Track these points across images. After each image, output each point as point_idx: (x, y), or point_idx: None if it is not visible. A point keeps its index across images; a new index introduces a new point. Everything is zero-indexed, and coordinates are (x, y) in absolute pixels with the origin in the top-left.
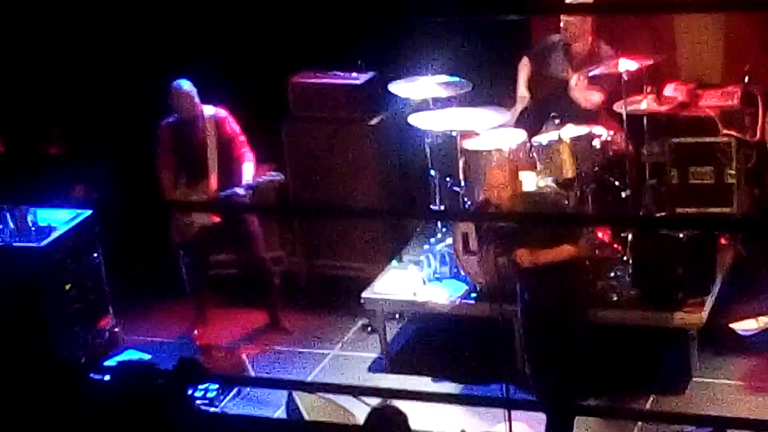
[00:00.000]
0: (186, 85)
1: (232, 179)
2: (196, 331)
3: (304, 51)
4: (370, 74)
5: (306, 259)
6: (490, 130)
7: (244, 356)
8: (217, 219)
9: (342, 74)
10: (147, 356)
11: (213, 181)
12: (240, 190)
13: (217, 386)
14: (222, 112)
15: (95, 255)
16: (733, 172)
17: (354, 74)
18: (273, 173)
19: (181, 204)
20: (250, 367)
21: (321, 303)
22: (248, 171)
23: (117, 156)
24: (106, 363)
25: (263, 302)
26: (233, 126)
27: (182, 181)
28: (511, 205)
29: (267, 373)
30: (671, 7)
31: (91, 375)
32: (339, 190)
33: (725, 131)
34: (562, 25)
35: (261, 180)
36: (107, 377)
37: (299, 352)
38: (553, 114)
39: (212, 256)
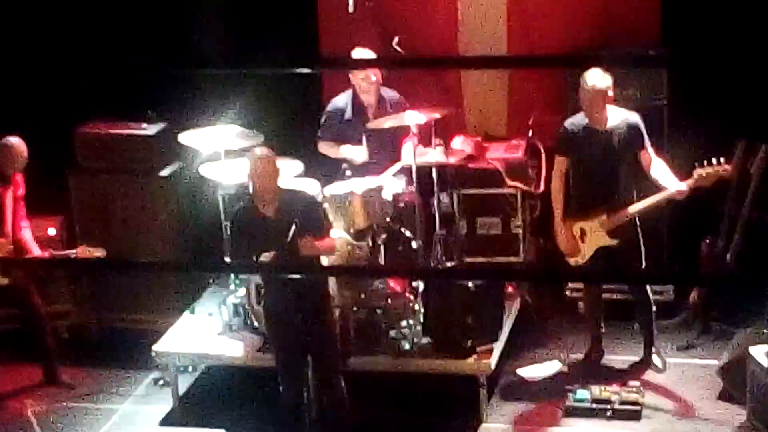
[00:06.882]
0: (18, 140)
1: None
2: None
3: (91, 101)
4: (160, 125)
5: (95, 312)
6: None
7: (29, 413)
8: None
9: (131, 124)
10: None
11: (5, 241)
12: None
13: None
14: (19, 176)
15: None
16: (519, 222)
17: (144, 125)
18: (71, 251)
19: None
20: (35, 423)
21: (111, 357)
22: (30, 235)
23: None
24: None
25: (38, 357)
26: (23, 189)
27: None
28: (273, 196)
29: (54, 430)
30: (457, 63)
31: None
32: (129, 241)
33: (510, 183)
34: (351, 78)
35: (58, 255)
36: None
37: (88, 408)
38: (344, 166)
39: None
